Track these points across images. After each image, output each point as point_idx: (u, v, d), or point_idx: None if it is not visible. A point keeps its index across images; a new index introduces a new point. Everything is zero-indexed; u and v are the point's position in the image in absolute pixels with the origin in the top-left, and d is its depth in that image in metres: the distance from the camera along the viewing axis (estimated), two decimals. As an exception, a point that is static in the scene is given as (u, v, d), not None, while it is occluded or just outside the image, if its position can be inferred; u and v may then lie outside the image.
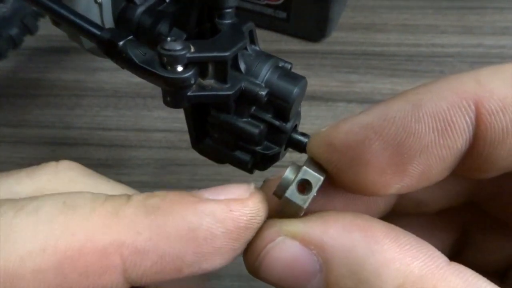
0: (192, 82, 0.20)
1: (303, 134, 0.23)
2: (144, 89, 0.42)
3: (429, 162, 0.15)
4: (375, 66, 0.44)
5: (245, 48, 0.22)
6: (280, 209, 0.16)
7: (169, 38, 0.20)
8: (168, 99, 0.21)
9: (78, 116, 0.40)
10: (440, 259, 0.14)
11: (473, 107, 0.14)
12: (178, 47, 0.20)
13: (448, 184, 0.18)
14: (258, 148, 0.23)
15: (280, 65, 0.23)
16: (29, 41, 0.43)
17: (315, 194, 0.16)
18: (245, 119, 0.22)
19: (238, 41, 0.21)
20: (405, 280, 0.13)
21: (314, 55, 0.45)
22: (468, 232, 0.20)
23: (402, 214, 0.19)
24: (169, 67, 0.20)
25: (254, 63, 0.22)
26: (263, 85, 0.22)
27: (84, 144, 0.38)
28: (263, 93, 0.21)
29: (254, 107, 0.22)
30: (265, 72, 0.22)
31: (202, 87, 0.21)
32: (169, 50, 0.20)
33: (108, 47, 0.22)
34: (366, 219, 0.15)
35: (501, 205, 0.18)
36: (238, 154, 0.23)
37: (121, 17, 0.25)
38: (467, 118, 0.14)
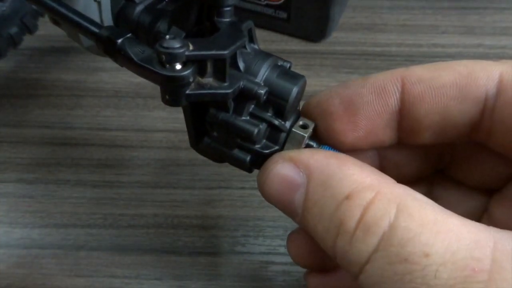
0: (191, 80, 0.20)
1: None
2: (144, 89, 0.42)
3: (370, 115, 0.22)
4: (376, 66, 0.44)
5: (244, 47, 0.22)
6: (288, 142, 0.23)
7: (167, 36, 0.20)
8: (167, 97, 0.21)
9: (78, 116, 0.40)
10: (391, 179, 0.19)
11: (399, 80, 0.21)
12: (177, 45, 0.20)
13: (418, 155, 0.25)
14: (257, 147, 0.23)
15: (279, 63, 0.23)
16: (29, 41, 0.43)
17: (311, 131, 0.23)
18: (244, 118, 0.22)
19: (237, 40, 0.21)
20: (357, 185, 0.18)
21: (315, 55, 0.45)
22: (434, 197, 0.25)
23: None
24: (167, 65, 0.20)
25: (253, 62, 0.22)
26: (262, 83, 0.22)
27: (84, 144, 0.38)
28: (262, 91, 0.21)
29: (252, 106, 0.22)
30: (264, 70, 0.22)
31: (201, 86, 0.21)
32: (167, 48, 0.19)
33: (106, 45, 0.22)
34: (343, 155, 0.21)
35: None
36: (237, 152, 0.23)
37: (120, 15, 0.25)
38: (395, 86, 0.21)
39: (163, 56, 0.20)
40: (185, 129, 0.39)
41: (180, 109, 0.42)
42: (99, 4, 0.24)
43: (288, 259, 0.31)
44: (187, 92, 0.20)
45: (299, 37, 0.47)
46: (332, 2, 0.44)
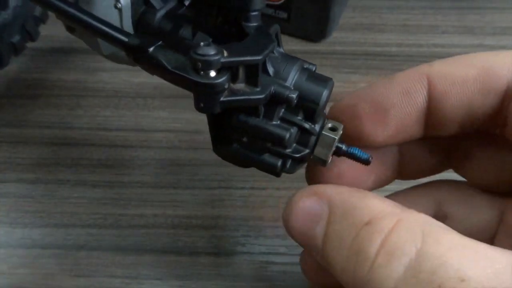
0: (226, 87, 0.20)
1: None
2: (144, 89, 0.42)
3: (400, 115, 0.22)
4: (376, 66, 0.44)
5: (272, 51, 0.22)
6: (318, 145, 0.23)
7: (202, 43, 0.20)
8: (201, 104, 0.21)
9: (78, 116, 0.40)
10: (413, 210, 0.19)
11: (425, 78, 0.22)
12: (212, 52, 0.20)
13: (435, 150, 0.25)
14: (288, 151, 0.23)
15: (305, 66, 0.23)
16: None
17: (341, 132, 0.23)
18: (274, 123, 0.22)
19: (268, 44, 0.21)
20: (378, 212, 0.19)
21: (315, 55, 0.45)
22: (444, 202, 0.26)
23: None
24: (201, 72, 0.20)
25: (282, 66, 0.22)
26: (292, 87, 0.22)
27: (84, 145, 0.38)
28: (294, 95, 0.21)
29: (283, 110, 0.22)
30: (293, 74, 0.22)
31: (234, 92, 0.21)
32: (203, 55, 0.19)
33: (137, 54, 0.22)
34: (365, 191, 0.21)
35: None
36: (267, 158, 0.23)
37: (141, 22, 0.25)
38: (421, 84, 0.22)
39: (199, 64, 0.19)
40: (185, 129, 0.39)
41: (180, 109, 0.42)
42: (120, 11, 0.24)
43: (288, 259, 0.31)
44: (221, 99, 0.20)
45: (299, 37, 0.47)
46: (332, 2, 0.44)
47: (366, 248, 0.18)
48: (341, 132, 0.23)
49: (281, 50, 0.23)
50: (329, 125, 0.23)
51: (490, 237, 0.24)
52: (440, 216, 0.25)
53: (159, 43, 0.22)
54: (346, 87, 0.42)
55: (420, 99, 0.22)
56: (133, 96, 0.42)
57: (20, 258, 0.31)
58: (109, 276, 0.30)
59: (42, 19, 0.41)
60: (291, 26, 0.47)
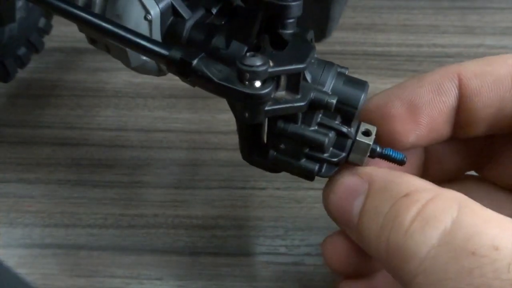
0: (272, 96, 0.20)
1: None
2: (144, 89, 0.42)
3: (432, 113, 0.22)
4: (376, 66, 0.44)
5: None
6: (353, 151, 0.23)
7: (248, 54, 0.20)
8: (246, 115, 0.21)
9: (78, 116, 0.40)
10: (447, 189, 0.19)
11: (456, 76, 0.22)
12: (259, 62, 0.20)
13: (460, 150, 0.26)
14: (325, 156, 0.23)
15: (339, 70, 0.23)
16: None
17: (375, 136, 0.23)
18: (312, 128, 0.22)
19: (309, 51, 0.21)
20: (416, 187, 0.19)
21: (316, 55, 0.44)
22: None
23: None
24: (247, 82, 0.20)
25: (319, 72, 0.22)
26: (330, 92, 0.22)
27: (84, 145, 0.38)
28: (333, 101, 0.21)
29: (320, 115, 0.22)
30: (330, 79, 0.22)
31: (277, 100, 0.21)
32: (251, 66, 0.19)
33: (180, 67, 0.22)
34: (403, 172, 0.21)
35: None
36: (305, 163, 0.23)
37: (170, 32, 0.24)
38: (452, 82, 0.22)
39: (247, 74, 0.20)
40: (186, 129, 0.39)
41: (180, 109, 0.42)
42: (150, 22, 0.24)
43: (288, 259, 0.31)
44: (266, 108, 0.21)
45: (299, 37, 0.47)
46: (332, 2, 0.44)
47: (402, 215, 0.18)
48: (375, 135, 0.23)
49: (315, 55, 0.23)
50: (363, 129, 0.23)
51: None
52: None
53: (202, 55, 0.22)
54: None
55: (451, 97, 0.22)
56: (133, 96, 0.42)
57: (20, 258, 0.31)
58: (109, 276, 0.30)
59: (46, 31, 0.41)
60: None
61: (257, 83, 0.20)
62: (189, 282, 0.30)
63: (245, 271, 0.31)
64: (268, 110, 0.21)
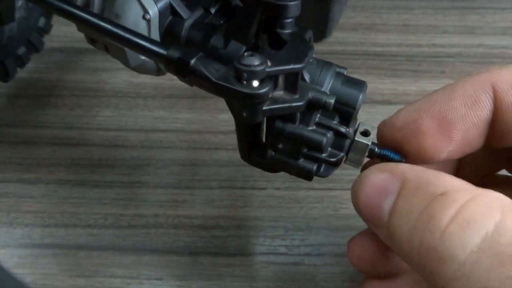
0: (270, 96, 0.20)
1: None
2: (144, 89, 0.42)
3: (465, 128, 0.21)
4: (376, 66, 0.44)
5: None
6: (351, 151, 0.23)
7: (246, 53, 0.20)
8: (245, 114, 0.21)
9: (78, 116, 0.40)
10: (487, 189, 0.18)
11: (490, 87, 0.21)
12: (257, 62, 0.20)
13: (492, 154, 0.24)
14: (323, 156, 0.23)
15: (337, 70, 0.23)
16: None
17: (373, 136, 0.23)
18: (311, 128, 0.22)
19: (307, 51, 0.21)
20: (454, 187, 0.18)
21: (315, 56, 0.44)
22: None
23: None
24: (245, 82, 0.20)
25: (317, 71, 0.22)
26: (328, 92, 0.22)
27: (84, 145, 0.38)
28: (332, 101, 0.21)
29: (318, 115, 0.22)
30: (329, 79, 0.22)
31: (275, 100, 0.21)
32: (248, 65, 0.19)
33: (178, 66, 0.22)
34: (438, 171, 0.20)
35: None
36: (303, 163, 0.23)
37: (168, 32, 0.24)
38: (487, 95, 0.21)
39: (244, 74, 0.20)
40: (185, 129, 0.39)
41: (180, 109, 0.42)
42: (149, 22, 0.24)
43: (288, 259, 0.31)
44: (264, 107, 0.21)
45: (299, 37, 0.47)
46: (332, 2, 0.44)
47: (439, 215, 0.17)
48: (374, 136, 0.23)
49: (314, 55, 0.23)
50: (361, 129, 0.23)
51: None
52: None
53: (200, 54, 0.22)
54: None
55: (486, 111, 0.21)
56: (133, 96, 0.42)
57: (20, 258, 0.31)
58: (109, 276, 0.30)
59: (46, 30, 0.41)
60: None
61: (255, 83, 0.20)
62: (189, 282, 0.30)
63: (245, 271, 0.31)
64: (266, 110, 0.21)
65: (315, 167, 0.23)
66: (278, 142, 0.23)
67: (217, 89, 0.21)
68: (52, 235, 0.32)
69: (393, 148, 0.23)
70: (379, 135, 0.23)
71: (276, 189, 0.35)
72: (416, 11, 0.50)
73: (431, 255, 0.17)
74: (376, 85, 0.42)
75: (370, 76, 0.43)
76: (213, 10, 0.25)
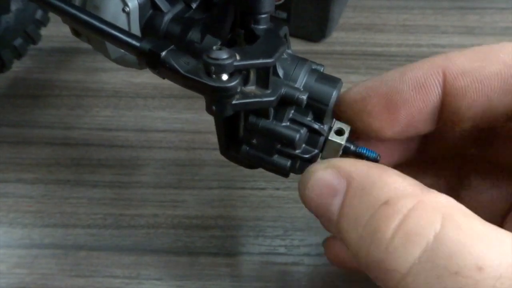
0: (238, 90, 0.20)
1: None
2: (144, 89, 0.42)
3: (411, 112, 0.21)
4: (376, 66, 0.44)
5: None
6: (325, 150, 0.23)
7: (214, 47, 0.20)
8: (213, 107, 0.21)
9: (78, 117, 0.40)
10: (435, 191, 0.18)
11: (440, 72, 0.20)
12: (225, 56, 0.20)
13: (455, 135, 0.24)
14: (297, 152, 0.23)
15: (313, 67, 0.23)
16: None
17: (348, 135, 0.22)
18: (284, 124, 0.22)
19: (279, 47, 0.21)
20: (398, 192, 0.18)
21: (315, 56, 0.45)
22: (464, 177, 0.26)
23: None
24: (214, 75, 0.20)
25: (291, 68, 0.22)
26: (301, 89, 0.22)
27: (84, 145, 0.38)
28: (304, 97, 0.21)
29: (292, 111, 0.22)
30: (303, 76, 0.22)
31: (245, 95, 0.21)
32: (216, 59, 0.19)
33: (149, 58, 0.22)
34: (386, 166, 0.20)
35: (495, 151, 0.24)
36: (277, 159, 0.23)
37: (148, 25, 0.25)
38: (436, 80, 0.20)
39: (212, 68, 0.20)
40: (185, 129, 0.39)
41: (180, 109, 0.42)
42: (128, 14, 0.24)
43: (288, 259, 0.31)
44: (233, 102, 0.21)
45: (299, 37, 0.47)
46: (332, 2, 0.44)
47: (383, 228, 0.17)
48: (348, 135, 0.23)
49: (290, 51, 0.23)
50: (335, 127, 0.23)
51: (502, 215, 0.24)
52: (458, 183, 0.25)
53: (171, 47, 0.22)
54: (345, 87, 0.42)
55: (434, 96, 0.21)
56: (133, 96, 0.42)
57: (19, 258, 0.31)
58: (109, 276, 0.31)
59: (43, 22, 0.41)
60: (291, 26, 0.47)
61: (224, 77, 0.20)
62: (188, 282, 0.30)
63: (245, 271, 0.31)
64: (236, 104, 0.21)
65: (289, 163, 0.23)
66: (252, 137, 0.23)
67: (186, 82, 0.21)
68: (52, 235, 0.33)
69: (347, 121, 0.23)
70: (335, 109, 0.23)
71: (276, 189, 0.35)
72: (416, 11, 0.50)
73: (377, 266, 0.17)
74: (375, 85, 0.42)
75: (370, 76, 0.43)
76: (194, 5, 0.25)
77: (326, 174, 0.20)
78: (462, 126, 0.21)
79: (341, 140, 0.22)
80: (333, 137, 0.23)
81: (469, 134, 0.24)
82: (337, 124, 0.23)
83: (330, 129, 0.23)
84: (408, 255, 0.16)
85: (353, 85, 0.23)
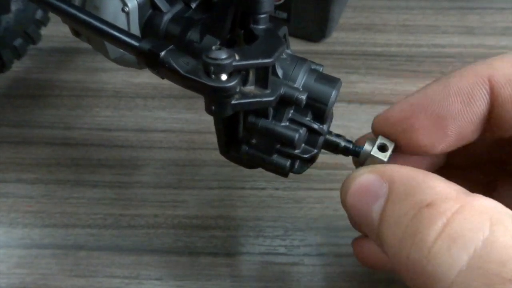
0: (237, 90, 0.20)
1: (338, 136, 0.24)
2: (144, 89, 0.42)
3: (461, 125, 0.21)
4: (376, 66, 0.44)
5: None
6: (365, 165, 0.22)
7: (213, 47, 0.20)
8: (213, 108, 0.21)
9: (78, 117, 0.40)
10: (480, 195, 0.18)
11: (486, 82, 0.20)
12: (224, 56, 0.20)
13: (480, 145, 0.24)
14: (297, 152, 0.23)
15: (312, 67, 0.23)
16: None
17: (391, 153, 0.22)
18: (283, 124, 0.22)
19: (278, 47, 0.21)
20: (441, 195, 0.17)
21: (315, 56, 0.45)
22: (491, 183, 0.25)
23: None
24: (213, 75, 0.20)
25: (291, 68, 0.22)
26: (301, 89, 0.22)
27: (84, 145, 0.38)
28: (303, 97, 0.21)
29: (292, 111, 0.22)
30: (302, 76, 0.22)
31: (244, 94, 0.21)
32: (215, 59, 0.19)
33: (149, 58, 0.22)
34: (428, 172, 0.19)
35: None
36: (276, 158, 0.23)
37: (148, 25, 0.25)
38: (483, 90, 0.20)
39: (212, 68, 0.20)
40: (185, 129, 0.39)
41: (180, 109, 0.42)
42: (128, 14, 0.24)
43: (288, 259, 0.31)
44: (233, 102, 0.21)
45: (299, 37, 0.47)
46: (332, 2, 0.44)
47: (425, 230, 0.16)
48: (391, 152, 0.22)
49: (289, 51, 0.23)
50: (378, 143, 0.22)
51: None
52: (486, 190, 0.24)
53: (170, 47, 0.22)
54: (345, 87, 0.42)
55: (482, 106, 0.20)
56: (133, 96, 0.42)
57: (19, 258, 0.31)
58: (109, 276, 0.31)
59: (43, 22, 0.41)
60: (290, 26, 0.46)
61: (224, 77, 0.20)
62: (188, 282, 0.30)
63: (245, 271, 0.31)
64: (235, 104, 0.21)
65: (288, 163, 0.23)
66: (252, 137, 0.23)
67: (185, 82, 0.21)
68: (52, 235, 0.32)
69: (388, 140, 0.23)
70: (373, 128, 0.23)
71: (276, 189, 0.35)
72: (416, 11, 0.50)
73: (419, 271, 0.16)
74: (376, 85, 0.43)
75: (370, 76, 0.43)
76: (193, 5, 0.25)
77: (368, 178, 0.20)
78: (508, 133, 0.21)
79: (384, 157, 0.22)
80: (376, 153, 0.22)
81: (500, 140, 0.24)
82: (381, 140, 0.22)
83: (373, 145, 0.23)
84: (453, 260, 0.16)
85: (394, 104, 0.22)
